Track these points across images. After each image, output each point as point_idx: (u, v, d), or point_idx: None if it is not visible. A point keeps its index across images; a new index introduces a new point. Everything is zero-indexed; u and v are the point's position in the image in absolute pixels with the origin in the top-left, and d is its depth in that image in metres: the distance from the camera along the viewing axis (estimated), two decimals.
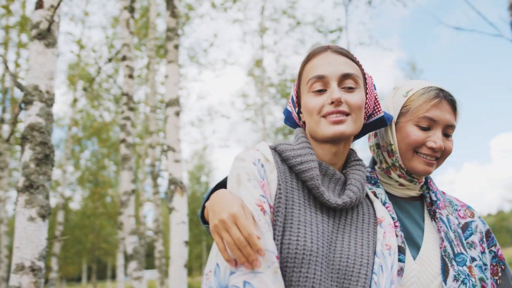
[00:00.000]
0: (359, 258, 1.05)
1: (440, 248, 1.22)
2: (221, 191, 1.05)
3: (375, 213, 1.21)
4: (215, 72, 10.52)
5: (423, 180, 1.36)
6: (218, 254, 0.97)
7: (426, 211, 1.34)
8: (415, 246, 1.24)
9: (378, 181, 1.35)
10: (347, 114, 1.10)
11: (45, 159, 1.90)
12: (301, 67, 1.19)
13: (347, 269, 1.03)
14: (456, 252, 1.22)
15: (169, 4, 5.44)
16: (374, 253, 1.10)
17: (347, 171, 1.19)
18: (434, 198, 1.33)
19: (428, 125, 1.25)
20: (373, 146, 1.40)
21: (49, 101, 2.00)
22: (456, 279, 1.17)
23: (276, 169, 1.07)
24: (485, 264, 1.29)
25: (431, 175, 1.38)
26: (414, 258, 1.21)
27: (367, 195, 1.27)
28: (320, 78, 1.10)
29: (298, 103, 1.22)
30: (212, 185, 1.41)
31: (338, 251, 1.05)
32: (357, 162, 1.21)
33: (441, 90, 1.28)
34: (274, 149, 1.15)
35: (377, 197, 1.30)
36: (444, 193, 1.45)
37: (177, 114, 5.00)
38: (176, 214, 4.62)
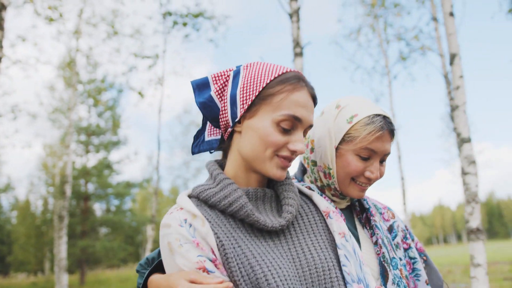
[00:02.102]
0: (325, 263, 1.04)
1: (378, 254, 1.25)
2: (153, 281, 1.04)
3: (317, 208, 1.18)
4: (25, 72, 10.05)
5: None
6: None
7: (356, 219, 1.36)
8: None
9: None
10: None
11: None
12: (276, 85, 1.05)
13: (319, 279, 1.02)
14: (391, 256, 1.26)
15: None
16: (333, 248, 1.10)
17: (276, 186, 1.16)
18: (366, 206, 1.35)
19: (368, 156, 1.25)
20: (308, 160, 1.37)
21: None
22: (394, 282, 1.21)
23: (206, 220, 1.01)
24: (413, 258, 1.36)
25: None
26: None
27: (301, 192, 1.24)
28: (297, 120, 1.05)
29: (245, 110, 1.07)
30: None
31: (305, 265, 1.03)
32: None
33: (384, 118, 1.26)
34: (197, 197, 1.09)
35: (313, 190, 1.31)
36: (368, 198, 1.47)
37: None
38: None
